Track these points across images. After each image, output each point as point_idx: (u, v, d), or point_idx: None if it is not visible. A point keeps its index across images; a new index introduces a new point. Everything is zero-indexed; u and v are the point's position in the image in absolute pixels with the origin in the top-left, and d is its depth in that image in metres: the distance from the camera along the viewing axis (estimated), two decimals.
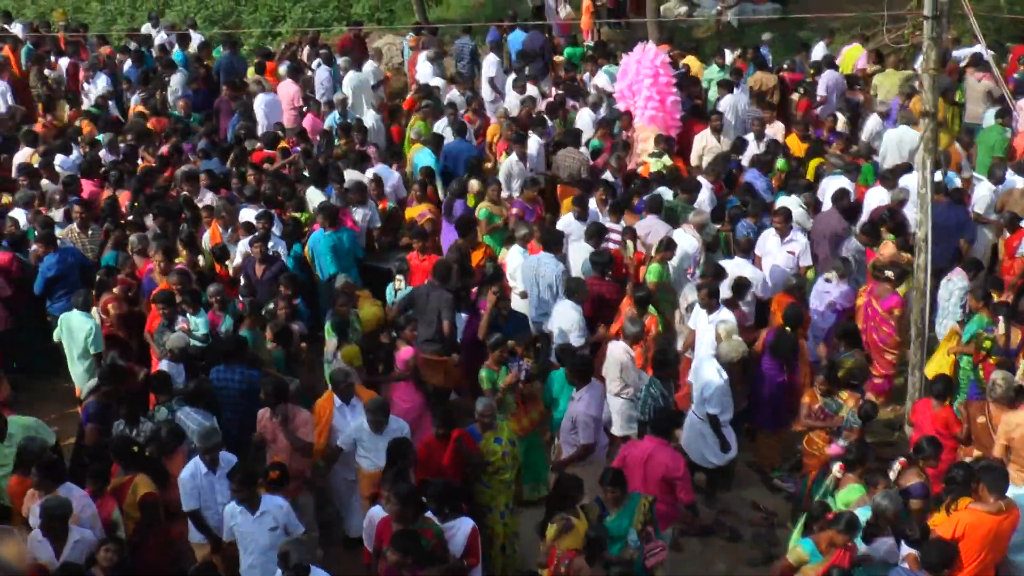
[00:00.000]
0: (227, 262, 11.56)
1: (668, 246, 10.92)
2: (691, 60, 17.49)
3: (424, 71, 17.64)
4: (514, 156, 13.68)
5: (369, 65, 17.53)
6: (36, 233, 11.67)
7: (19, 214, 12.36)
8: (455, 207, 12.56)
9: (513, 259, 11.44)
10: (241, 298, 10.64)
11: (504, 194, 13.13)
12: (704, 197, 12.73)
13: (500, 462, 8.39)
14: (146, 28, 21.21)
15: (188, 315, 10.17)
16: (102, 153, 14.46)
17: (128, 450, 8.21)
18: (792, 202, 12.35)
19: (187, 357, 9.59)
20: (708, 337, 10.00)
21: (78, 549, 7.46)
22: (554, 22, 20.79)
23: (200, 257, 11.56)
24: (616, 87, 15.50)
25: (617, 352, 9.75)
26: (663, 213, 11.88)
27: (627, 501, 7.71)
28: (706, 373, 9.37)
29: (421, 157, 13.98)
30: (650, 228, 11.64)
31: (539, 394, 9.54)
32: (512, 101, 16.22)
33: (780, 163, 13.67)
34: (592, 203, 12.20)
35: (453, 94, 16.47)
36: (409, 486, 7.47)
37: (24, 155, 14.41)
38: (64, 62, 18.38)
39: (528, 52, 18.01)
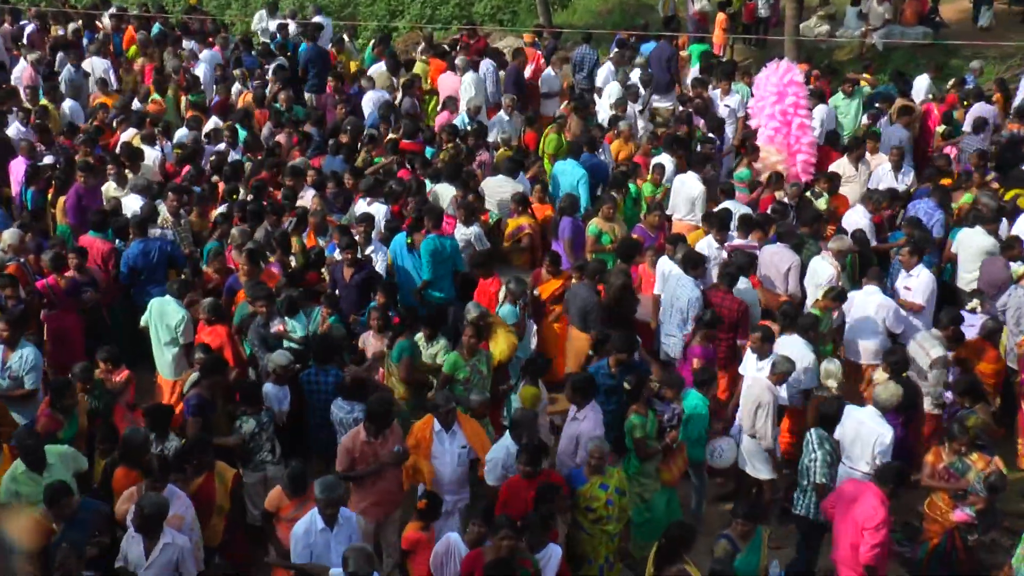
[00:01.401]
0: (323, 268, 11.68)
1: (839, 297, 10.73)
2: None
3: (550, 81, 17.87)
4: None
5: (485, 64, 17.71)
6: (133, 219, 11.97)
7: (134, 200, 12.73)
8: (563, 225, 12.57)
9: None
10: (324, 302, 10.76)
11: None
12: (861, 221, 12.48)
13: (603, 510, 8.30)
14: (258, 17, 21.91)
15: (286, 317, 10.32)
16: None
17: (205, 451, 8.45)
18: (977, 235, 12.08)
19: (292, 378, 9.58)
20: (756, 387, 9.68)
21: (168, 552, 7.58)
22: (689, 14, 20.75)
23: (292, 259, 11.70)
24: (749, 104, 15.45)
25: (759, 390, 9.52)
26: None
27: (754, 536, 7.65)
28: (876, 425, 9.05)
29: (563, 169, 13.91)
30: (776, 254, 11.68)
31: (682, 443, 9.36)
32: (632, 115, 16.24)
33: (966, 196, 13.31)
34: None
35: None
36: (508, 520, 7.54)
37: (128, 135, 14.89)
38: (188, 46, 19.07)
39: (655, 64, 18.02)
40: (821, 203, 13.21)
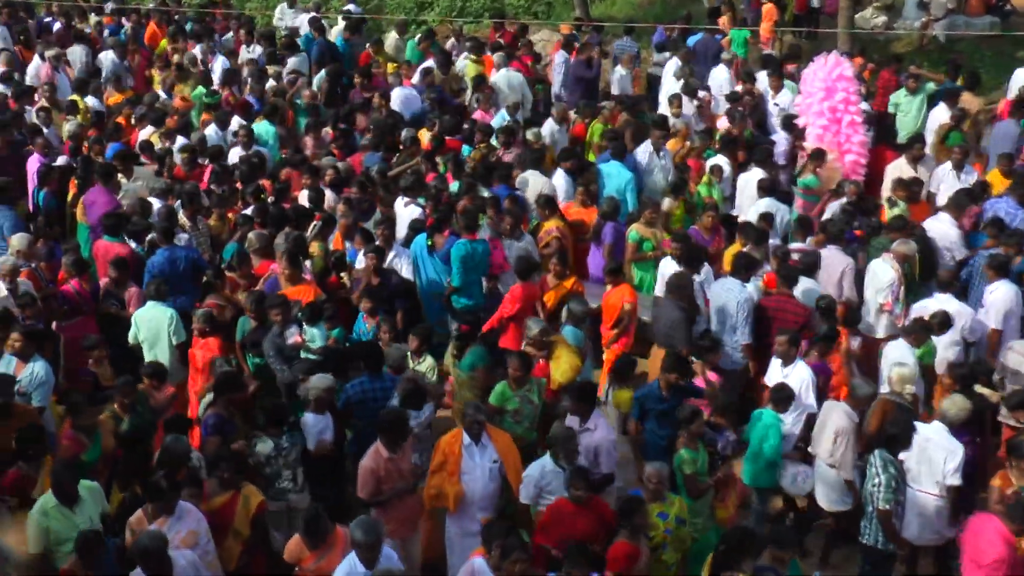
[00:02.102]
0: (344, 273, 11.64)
1: (944, 323, 10.47)
2: None
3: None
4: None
5: (560, 56, 17.89)
6: (156, 225, 11.91)
7: (155, 203, 12.62)
8: (604, 231, 12.38)
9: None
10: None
11: None
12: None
13: (660, 539, 8.16)
14: (279, 11, 21.87)
15: (304, 325, 10.22)
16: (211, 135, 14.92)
17: (232, 465, 8.33)
18: None
19: (332, 405, 9.38)
20: (834, 413, 9.49)
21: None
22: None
23: (308, 263, 11.60)
24: (795, 100, 15.30)
25: (838, 416, 9.32)
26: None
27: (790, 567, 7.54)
28: (945, 442, 8.87)
29: (610, 171, 13.80)
30: (829, 257, 11.55)
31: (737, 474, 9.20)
32: (690, 110, 16.13)
33: None
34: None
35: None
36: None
37: (147, 133, 14.87)
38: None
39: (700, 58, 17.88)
40: (896, 211, 12.86)
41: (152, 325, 10.49)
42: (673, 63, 17.59)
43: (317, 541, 7.67)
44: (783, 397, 9.45)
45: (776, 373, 9.92)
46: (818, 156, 13.92)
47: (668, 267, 11.41)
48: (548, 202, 12.67)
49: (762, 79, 16.64)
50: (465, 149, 14.60)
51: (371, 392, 9.48)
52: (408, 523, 8.72)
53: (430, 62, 17.68)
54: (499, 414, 9.44)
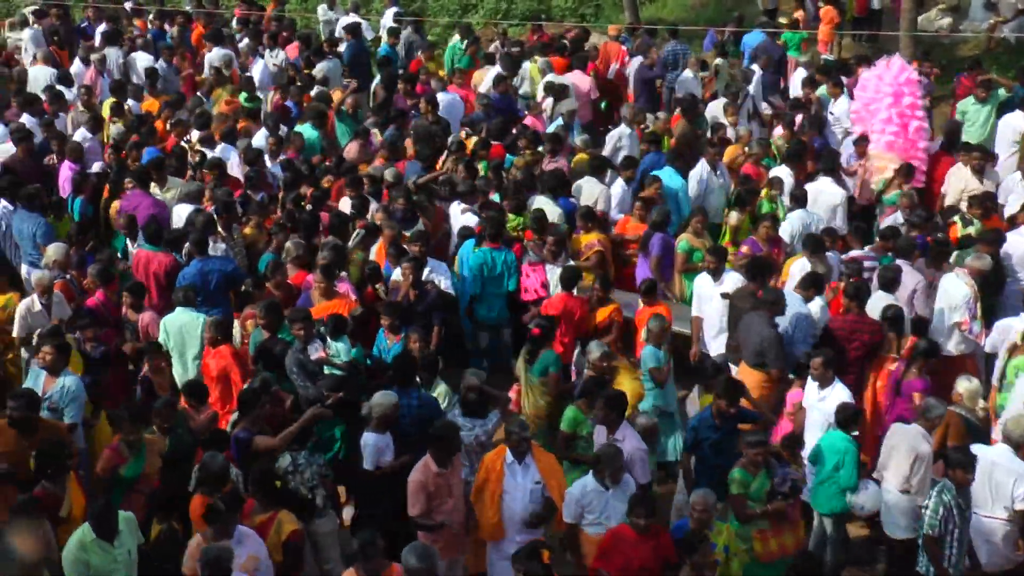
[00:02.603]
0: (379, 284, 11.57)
1: None
2: None
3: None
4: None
5: (635, 62, 17.67)
6: (191, 235, 11.87)
7: (183, 209, 12.63)
8: (652, 241, 12.22)
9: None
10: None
11: None
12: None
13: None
14: (321, 11, 21.90)
15: (329, 340, 10.16)
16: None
17: (270, 483, 8.32)
18: None
19: (395, 423, 9.19)
20: (818, 417, 9.55)
21: None
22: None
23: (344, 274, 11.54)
24: (851, 107, 15.04)
25: (912, 439, 9.14)
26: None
27: None
28: (1012, 465, 8.73)
29: (662, 176, 13.61)
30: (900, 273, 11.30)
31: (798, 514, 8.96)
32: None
33: None
34: None
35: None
36: None
37: (195, 137, 14.88)
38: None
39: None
40: (972, 230, 12.55)
41: (180, 332, 10.54)
42: (722, 67, 17.44)
43: (371, 572, 7.57)
44: (851, 416, 9.22)
45: (813, 395, 9.73)
46: (907, 172, 13.64)
47: (731, 280, 11.20)
48: (588, 214, 12.55)
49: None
50: (509, 157, 14.52)
51: (401, 408, 9.35)
52: (455, 543, 8.66)
53: (498, 68, 17.52)
54: (571, 440, 9.36)
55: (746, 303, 10.67)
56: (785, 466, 8.82)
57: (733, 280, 11.17)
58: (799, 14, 19.70)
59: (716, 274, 11.27)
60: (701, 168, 13.90)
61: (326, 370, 9.96)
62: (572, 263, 11.71)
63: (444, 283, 11.65)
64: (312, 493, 8.75)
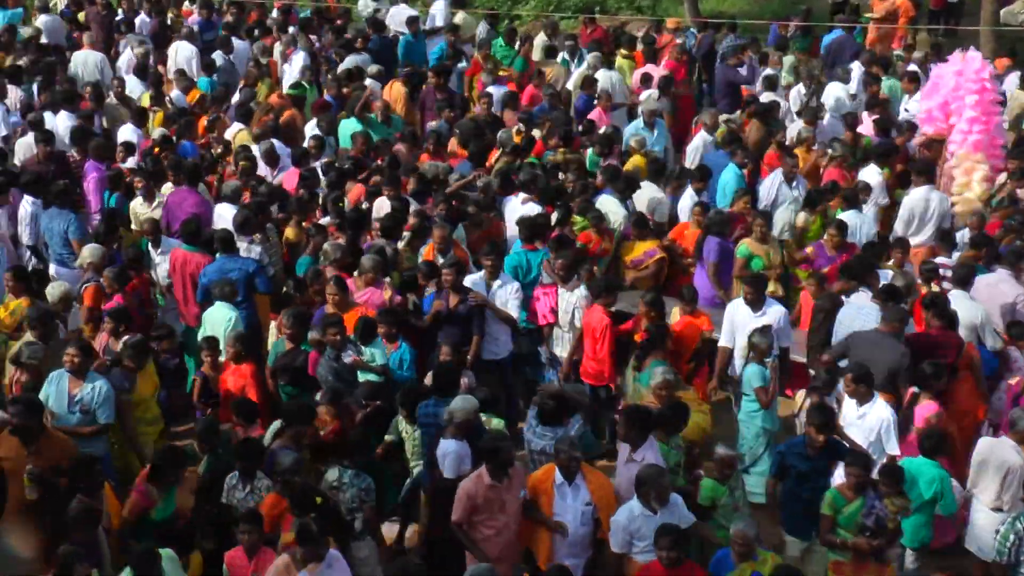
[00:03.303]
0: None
1: None
2: None
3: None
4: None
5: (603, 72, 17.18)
6: (216, 231, 11.83)
7: (226, 209, 12.53)
8: (708, 247, 11.98)
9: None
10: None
11: None
12: None
13: None
14: (363, 3, 21.74)
15: (359, 345, 10.13)
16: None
17: (310, 500, 8.21)
18: None
19: (474, 430, 9.13)
20: (858, 435, 9.38)
21: None
22: None
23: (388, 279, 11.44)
24: (921, 106, 14.88)
25: (1004, 451, 8.99)
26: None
27: None
28: None
29: (716, 161, 13.68)
30: (995, 284, 11.20)
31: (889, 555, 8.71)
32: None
33: None
34: None
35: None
36: None
37: (233, 131, 14.89)
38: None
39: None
40: None
41: (214, 329, 10.65)
42: (789, 61, 17.21)
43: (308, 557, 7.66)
44: (938, 442, 9.01)
45: (851, 413, 9.51)
46: (1021, 175, 13.36)
47: (774, 313, 10.74)
48: (642, 221, 12.42)
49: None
50: (590, 156, 14.36)
51: (429, 416, 9.38)
52: (503, 563, 8.51)
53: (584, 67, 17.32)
54: (708, 517, 8.99)
55: (827, 303, 10.63)
56: (877, 498, 8.52)
57: (775, 313, 10.75)
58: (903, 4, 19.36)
59: (755, 305, 10.77)
60: (774, 177, 13.62)
61: (360, 376, 9.94)
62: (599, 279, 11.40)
63: (513, 307, 11.30)
64: (351, 515, 8.65)
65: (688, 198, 13.25)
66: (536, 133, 14.73)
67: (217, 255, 11.45)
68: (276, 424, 9.34)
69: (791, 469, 8.98)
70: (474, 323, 10.97)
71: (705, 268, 11.97)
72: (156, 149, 14.13)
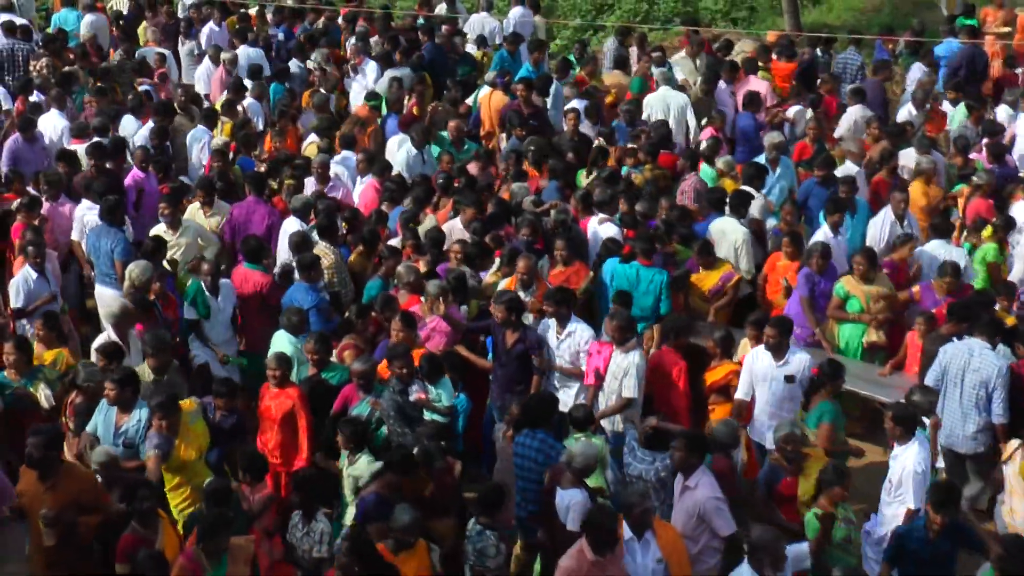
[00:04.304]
0: None
1: None
2: None
3: None
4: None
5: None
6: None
7: (293, 224, 12.46)
8: (801, 278, 11.78)
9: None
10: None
11: None
12: None
13: None
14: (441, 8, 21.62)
15: (425, 383, 10.08)
16: None
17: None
18: None
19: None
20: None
21: None
22: None
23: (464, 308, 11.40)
24: None
25: None
26: None
27: None
28: None
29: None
30: None
31: None
32: None
33: None
34: None
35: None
36: None
37: (308, 142, 14.93)
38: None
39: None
40: None
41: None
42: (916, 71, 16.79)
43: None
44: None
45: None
46: None
47: (798, 361, 10.36)
48: (707, 248, 12.27)
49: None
50: (706, 170, 14.23)
51: (522, 447, 9.41)
52: None
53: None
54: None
55: (937, 344, 10.54)
56: None
57: (799, 362, 10.33)
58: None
59: (778, 351, 10.33)
60: (884, 215, 13.11)
61: (426, 416, 9.91)
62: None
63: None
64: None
65: (821, 234, 12.72)
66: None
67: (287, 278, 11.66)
68: (376, 465, 9.17)
69: (909, 555, 8.60)
70: (533, 365, 10.73)
71: (798, 302, 11.78)
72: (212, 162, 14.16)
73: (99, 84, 16.49)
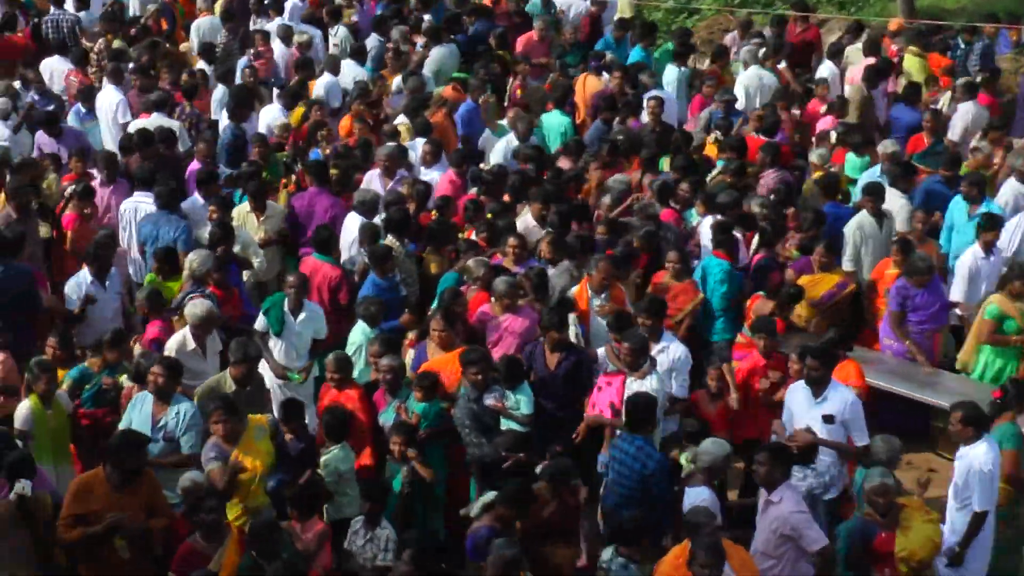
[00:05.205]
0: None
1: None
2: None
3: None
4: None
5: (826, 69, 17.00)
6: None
7: (353, 220, 12.37)
8: (892, 291, 11.67)
9: None
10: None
11: None
12: None
13: None
14: None
15: (504, 390, 9.96)
16: None
17: None
18: None
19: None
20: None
21: None
22: None
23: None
24: None
25: None
26: None
27: None
28: None
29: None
30: None
31: None
32: None
33: None
34: None
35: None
36: None
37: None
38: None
39: None
40: None
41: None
42: None
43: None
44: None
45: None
46: None
47: (838, 399, 9.81)
48: (832, 246, 12.15)
49: None
50: (851, 159, 14.30)
51: (619, 450, 9.35)
52: None
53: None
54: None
55: None
56: None
57: (840, 400, 9.72)
58: None
59: (818, 386, 9.77)
60: (1020, 220, 12.77)
61: (503, 424, 9.90)
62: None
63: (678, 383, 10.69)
64: None
65: (971, 255, 12.21)
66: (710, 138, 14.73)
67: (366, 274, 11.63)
68: (489, 495, 8.97)
69: None
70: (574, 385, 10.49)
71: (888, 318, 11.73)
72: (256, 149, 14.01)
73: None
